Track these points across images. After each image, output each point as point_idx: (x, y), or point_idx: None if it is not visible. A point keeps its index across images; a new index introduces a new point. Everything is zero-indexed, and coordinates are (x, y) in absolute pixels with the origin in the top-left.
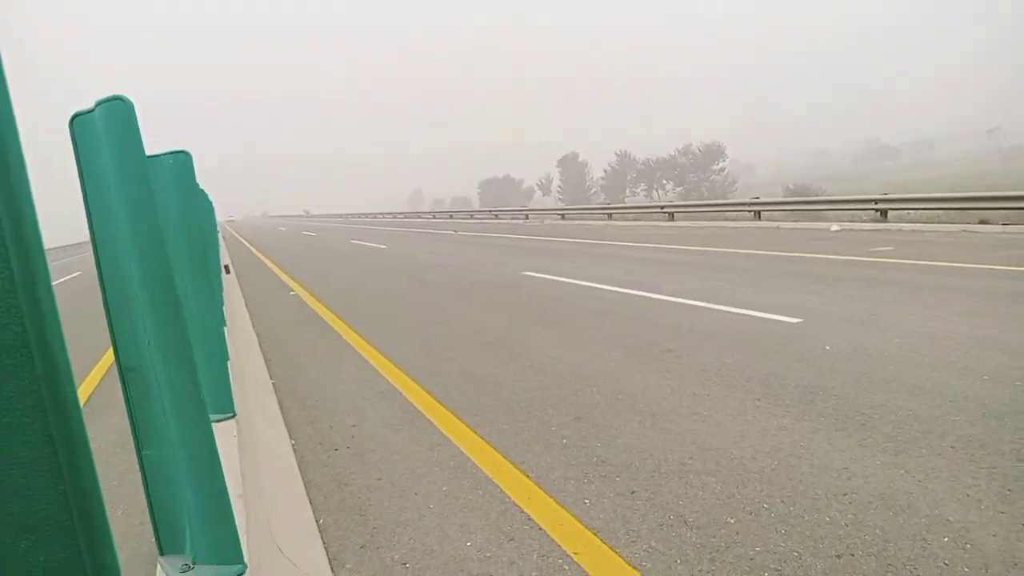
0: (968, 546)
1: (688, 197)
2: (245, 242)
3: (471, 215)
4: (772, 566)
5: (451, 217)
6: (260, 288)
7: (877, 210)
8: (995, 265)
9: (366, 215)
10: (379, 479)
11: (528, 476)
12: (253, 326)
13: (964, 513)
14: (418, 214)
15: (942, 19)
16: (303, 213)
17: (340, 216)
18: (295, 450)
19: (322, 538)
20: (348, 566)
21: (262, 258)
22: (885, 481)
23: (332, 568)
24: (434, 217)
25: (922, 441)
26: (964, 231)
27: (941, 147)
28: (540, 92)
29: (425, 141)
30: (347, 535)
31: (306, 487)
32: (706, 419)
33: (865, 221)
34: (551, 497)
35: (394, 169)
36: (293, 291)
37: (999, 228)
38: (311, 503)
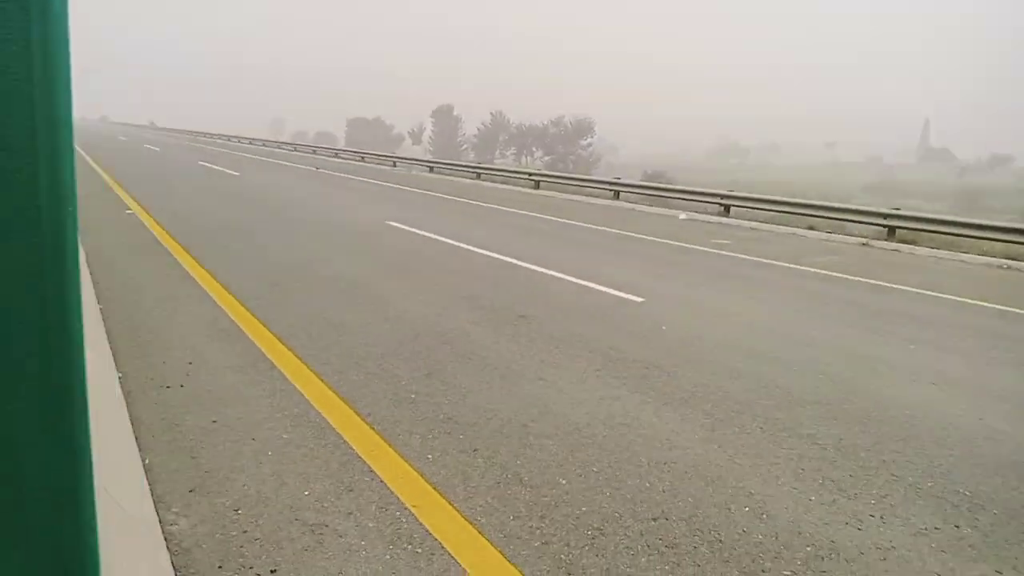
0: (764, 516)
1: (555, 167)
2: (76, 147)
3: (336, 153)
4: (595, 525)
5: (314, 152)
6: (92, 203)
7: (721, 205)
8: (817, 268)
9: (219, 136)
10: (214, 421)
11: (374, 428)
12: (81, 244)
13: (764, 487)
14: (278, 143)
15: (795, 47)
16: (148, 124)
17: (189, 133)
18: (121, 383)
19: (147, 478)
20: (175, 509)
21: (97, 168)
22: (701, 454)
23: (157, 510)
24: (295, 149)
25: (736, 420)
26: (794, 234)
27: (785, 152)
28: (421, 38)
29: (295, 66)
30: (176, 477)
31: (132, 423)
32: (550, 385)
33: (710, 213)
34: (395, 451)
35: (255, 92)
36: (131, 210)
37: (824, 235)
38: (137, 441)
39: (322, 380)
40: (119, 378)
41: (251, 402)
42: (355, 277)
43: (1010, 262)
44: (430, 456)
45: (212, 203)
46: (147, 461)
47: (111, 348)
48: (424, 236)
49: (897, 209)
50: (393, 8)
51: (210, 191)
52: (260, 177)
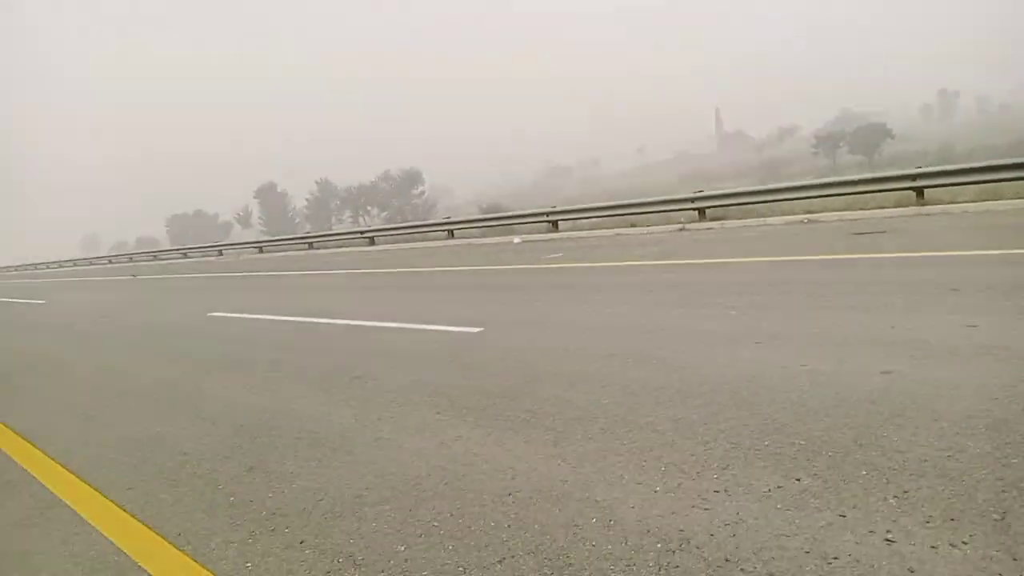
0: (612, 522)
1: (393, 221)
2: None
3: (155, 256)
4: None
5: (131, 260)
6: None
7: (549, 221)
8: (641, 260)
9: (25, 266)
10: None
11: (184, 551)
12: None
13: (609, 491)
14: (90, 260)
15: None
16: None
17: None
18: None
19: None
20: None
21: None
22: (545, 473)
23: None
24: (110, 262)
25: (577, 428)
26: (618, 234)
27: (604, 164)
28: (223, 119)
29: (94, 178)
30: None
31: None
32: (387, 443)
33: (541, 232)
34: (205, 568)
35: (58, 211)
36: None
37: (645, 230)
38: None
39: (122, 508)
40: None
41: (41, 559)
42: (170, 380)
43: (809, 215)
44: (249, 564)
45: (10, 338)
46: None
47: None
48: (248, 319)
49: (700, 191)
50: (185, 94)
51: (10, 326)
52: (69, 299)
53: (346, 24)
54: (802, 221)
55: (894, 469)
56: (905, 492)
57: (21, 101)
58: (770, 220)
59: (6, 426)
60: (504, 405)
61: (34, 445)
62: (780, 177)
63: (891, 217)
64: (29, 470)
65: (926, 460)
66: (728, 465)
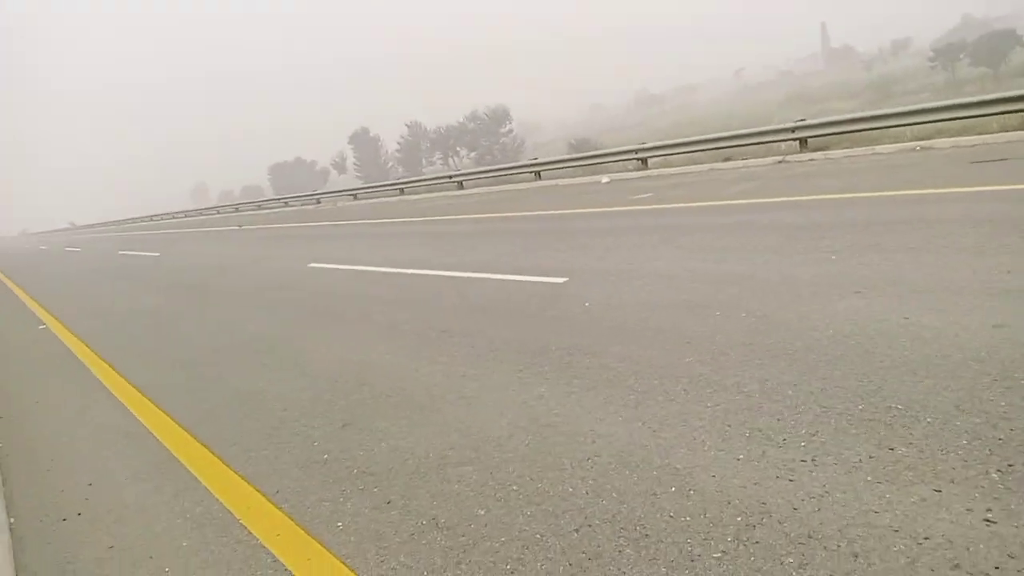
0: (691, 492)
1: (482, 161)
2: None
3: (258, 206)
4: (515, 556)
5: (236, 210)
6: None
7: (638, 159)
8: (735, 200)
9: (143, 219)
10: (111, 547)
11: (282, 509)
12: None
13: (690, 458)
14: (200, 211)
15: None
16: (68, 225)
17: (113, 223)
18: (12, 529)
19: None
20: None
21: (8, 283)
22: (624, 438)
23: None
24: (218, 212)
25: (659, 388)
26: (712, 169)
27: (701, 91)
28: (319, 69)
29: (201, 128)
30: None
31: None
32: (472, 401)
33: (630, 170)
34: (303, 529)
35: (170, 164)
36: (44, 324)
37: (740, 163)
38: None
39: (228, 465)
40: (10, 524)
41: (150, 513)
42: (272, 334)
43: (921, 143)
44: (340, 524)
45: (129, 293)
46: None
47: (3, 489)
48: (344, 270)
49: (802, 120)
50: (279, 47)
51: (129, 280)
52: (181, 250)
53: None
54: (914, 149)
55: (999, 439)
56: (1010, 466)
57: (134, 59)
58: (879, 148)
59: (127, 380)
60: (586, 362)
61: (149, 399)
62: (892, 95)
63: (1014, 142)
64: (145, 423)
65: None
66: (817, 432)
